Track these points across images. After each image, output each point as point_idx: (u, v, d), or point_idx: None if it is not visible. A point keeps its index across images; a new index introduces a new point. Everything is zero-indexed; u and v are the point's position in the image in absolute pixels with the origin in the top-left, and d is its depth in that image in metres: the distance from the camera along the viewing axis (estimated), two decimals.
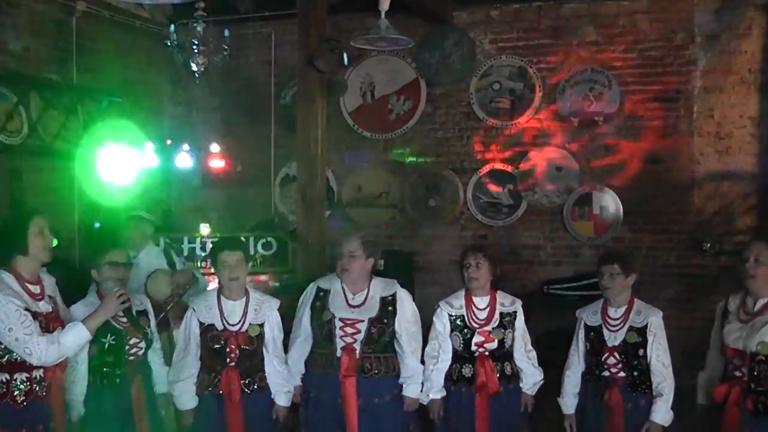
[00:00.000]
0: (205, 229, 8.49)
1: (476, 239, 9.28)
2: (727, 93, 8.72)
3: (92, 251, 5.13)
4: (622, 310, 5.09)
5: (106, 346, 4.75)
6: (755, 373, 4.54)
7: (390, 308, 5.21)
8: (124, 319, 4.83)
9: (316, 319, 5.21)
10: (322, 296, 5.25)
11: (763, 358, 4.52)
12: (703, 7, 8.76)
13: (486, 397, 5.16)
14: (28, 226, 4.22)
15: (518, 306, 5.37)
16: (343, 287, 5.23)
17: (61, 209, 9.12)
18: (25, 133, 8.54)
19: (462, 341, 5.22)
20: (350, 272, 5.17)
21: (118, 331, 4.79)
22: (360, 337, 5.11)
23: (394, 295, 5.25)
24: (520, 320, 5.35)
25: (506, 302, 5.34)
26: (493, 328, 5.21)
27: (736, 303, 4.80)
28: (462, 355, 5.26)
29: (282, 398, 5.12)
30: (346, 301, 5.20)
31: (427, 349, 5.32)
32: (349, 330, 5.11)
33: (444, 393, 5.29)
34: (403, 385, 5.27)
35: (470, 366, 5.22)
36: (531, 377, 5.35)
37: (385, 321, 5.17)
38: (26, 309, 4.10)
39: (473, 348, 5.20)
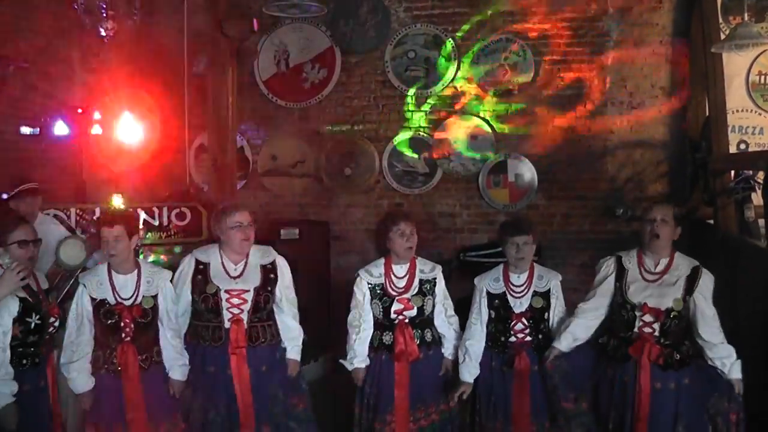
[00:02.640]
0: (117, 199, 8.47)
1: (392, 207, 9.45)
2: (639, 64, 9.00)
3: None
4: (525, 276, 5.31)
5: (32, 325, 4.70)
6: (666, 328, 4.86)
7: (272, 275, 5.35)
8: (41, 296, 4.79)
9: (199, 292, 5.26)
10: (202, 269, 5.30)
11: (676, 314, 4.86)
12: None
13: (406, 364, 5.29)
14: None
15: (438, 272, 5.49)
16: (222, 259, 5.30)
17: None
18: None
19: (381, 309, 5.36)
20: (251, 241, 5.28)
21: (44, 311, 4.77)
22: (247, 306, 5.22)
23: (273, 263, 5.39)
24: (440, 286, 5.49)
25: (426, 269, 5.46)
26: (412, 296, 5.33)
27: (632, 262, 5.06)
28: (382, 323, 5.39)
29: (177, 372, 5.15)
30: (227, 272, 5.27)
31: (348, 318, 5.46)
32: (235, 301, 5.22)
33: (367, 362, 5.41)
34: (287, 348, 5.41)
35: (390, 333, 5.35)
36: (452, 342, 5.49)
37: (269, 288, 5.30)
38: None
39: (392, 316, 5.33)
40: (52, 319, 4.85)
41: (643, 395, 4.87)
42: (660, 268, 5.05)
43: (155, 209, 7.76)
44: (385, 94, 9.60)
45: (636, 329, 4.98)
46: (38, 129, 9.36)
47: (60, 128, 9.37)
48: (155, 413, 5.01)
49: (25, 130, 9.32)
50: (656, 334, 4.93)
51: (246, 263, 5.30)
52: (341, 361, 5.50)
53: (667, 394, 4.89)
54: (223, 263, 5.28)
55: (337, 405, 6.10)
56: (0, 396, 4.52)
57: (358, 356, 5.41)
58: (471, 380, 5.33)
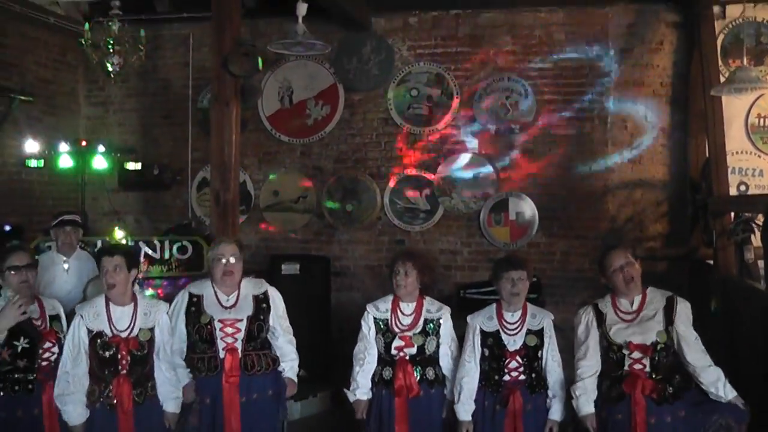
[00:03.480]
0: (119, 233, 8.53)
1: (393, 244, 9.53)
2: (640, 104, 9.13)
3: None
4: (518, 314, 5.29)
5: (19, 349, 4.73)
6: (655, 362, 4.90)
7: (264, 305, 5.42)
8: (39, 323, 4.82)
9: (193, 324, 5.32)
10: (195, 301, 5.37)
11: (663, 345, 4.91)
12: (617, 21, 9.18)
13: (405, 400, 5.29)
14: None
15: (445, 313, 5.45)
16: (215, 291, 5.38)
17: None
18: None
19: (384, 344, 5.37)
20: (234, 275, 5.34)
21: (33, 335, 4.78)
22: (240, 335, 5.28)
23: (266, 293, 5.47)
24: (446, 327, 5.44)
25: (432, 309, 5.44)
26: (414, 334, 5.33)
27: (608, 306, 5.13)
28: (384, 358, 5.40)
29: (171, 404, 5.15)
30: (220, 303, 5.34)
31: (354, 350, 5.48)
32: (229, 330, 5.27)
33: (370, 395, 5.43)
34: (284, 369, 5.48)
35: (390, 369, 5.35)
36: None
37: (262, 317, 5.37)
38: None
39: (393, 351, 5.33)
40: (48, 345, 4.87)
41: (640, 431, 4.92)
42: (635, 306, 5.09)
43: (156, 242, 7.80)
44: (387, 131, 9.73)
45: (626, 367, 4.99)
46: (42, 161, 9.43)
47: (64, 161, 9.45)
48: None
49: (30, 162, 9.39)
50: (647, 369, 4.94)
51: (238, 294, 5.39)
52: (345, 390, 5.51)
53: (663, 427, 4.91)
54: (216, 294, 5.37)
55: None
56: None
57: (360, 387, 5.43)
58: (469, 418, 5.28)
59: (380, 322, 5.42)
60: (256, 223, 10.03)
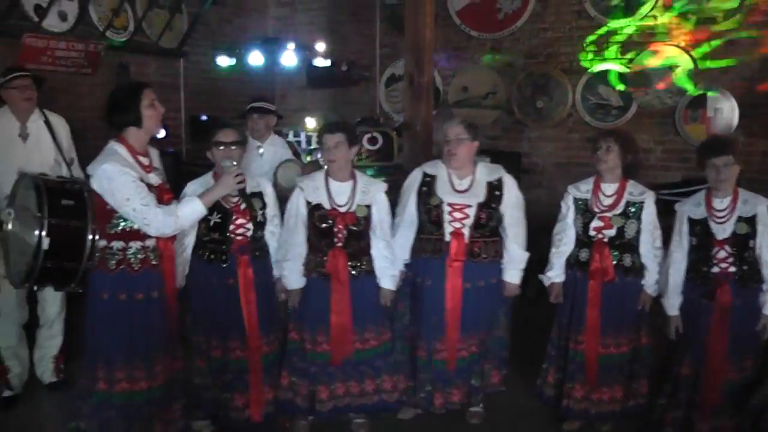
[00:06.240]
0: (310, 123, 8.77)
1: (583, 142, 9.34)
2: None
3: (204, 135, 5.22)
4: (728, 200, 5.05)
5: (212, 223, 4.95)
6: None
7: (497, 192, 5.34)
8: (235, 199, 4.96)
9: (423, 204, 5.38)
10: (428, 181, 5.40)
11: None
12: None
13: (599, 284, 5.21)
14: (141, 98, 4.39)
15: (648, 197, 5.28)
16: (449, 172, 5.37)
17: (168, 104, 9.64)
18: (131, 30, 9.12)
19: (582, 225, 5.29)
20: (458, 156, 5.31)
21: (224, 210, 4.96)
22: (468, 221, 5.27)
23: (500, 180, 5.38)
24: (648, 212, 5.26)
25: (635, 191, 5.28)
26: (614, 215, 5.21)
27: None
28: (581, 240, 5.34)
29: (388, 281, 5.27)
30: (452, 186, 5.34)
31: (553, 230, 5.47)
32: (457, 215, 5.27)
33: (563, 277, 5.41)
34: (504, 270, 5.44)
35: (587, 251, 5.27)
36: (654, 276, 5.30)
37: (492, 206, 5.32)
38: (140, 180, 4.34)
39: (591, 233, 5.25)
40: (240, 221, 5.02)
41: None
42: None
43: (353, 134, 7.95)
44: (580, 24, 9.50)
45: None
46: (234, 59, 9.78)
47: (254, 58, 9.78)
48: (361, 320, 5.20)
49: (222, 60, 9.76)
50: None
51: (473, 179, 5.38)
52: (539, 276, 5.54)
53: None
54: (450, 176, 5.38)
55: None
56: None
57: (555, 269, 5.42)
58: (677, 312, 5.21)
59: (580, 202, 5.33)
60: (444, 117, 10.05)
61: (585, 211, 5.30)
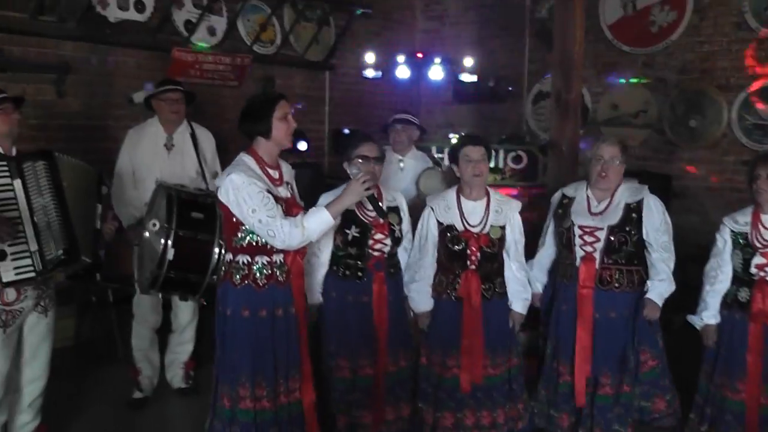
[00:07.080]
0: (454, 138, 8.68)
1: (739, 165, 8.79)
2: None
3: (343, 147, 5.18)
4: None
5: (350, 237, 4.90)
6: None
7: (634, 215, 5.05)
8: (372, 214, 4.86)
9: (557, 227, 5.24)
10: (565, 203, 5.23)
11: None
12: None
13: (761, 327, 4.86)
14: (274, 110, 4.32)
15: None
16: (587, 194, 5.16)
17: (312, 116, 9.81)
18: (278, 44, 9.37)
19: (741, 261, 4.93)
20: (608, 178, 5.05)
21: (363, 224, 4.91)
22: (599, 245, 5.03)
23: (640, 202, 5.07)
24: None
25: None
26: None
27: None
28: (740, 277, 4.98)
29: (519, 305, 5.11)
30: (589, 208, 5.13)
31: (706, 267, 5.10)
32: (588, 238, 5.05)
33: (719, 319, 5.06)
34: (650, 285, 5.09)
35: (746, 290, 4.93)
36: None
37: (627, 229, 5.02)
38: (268, 191, 4.26)
39: (752, 270, 4.88)
40: (379, 236, 4.96)
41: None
42: None
43: (491, 150, 7.85)
44: (739, 37, 8.95)
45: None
46: (381, 72, 9.81)
47: (401, 72, 9.78)
48: (492, 342, 5.04)
49: (368, 72, 9.81)
50: None
51: (611, 200, 5.12)
52: (689, 317, 5.17)
53: None
54: (588, 198, 5.17)
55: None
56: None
57: (710, 309, 5.05)
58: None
59: (738, 236, 4.95)
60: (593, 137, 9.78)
61: (744, 246, 4.93)
